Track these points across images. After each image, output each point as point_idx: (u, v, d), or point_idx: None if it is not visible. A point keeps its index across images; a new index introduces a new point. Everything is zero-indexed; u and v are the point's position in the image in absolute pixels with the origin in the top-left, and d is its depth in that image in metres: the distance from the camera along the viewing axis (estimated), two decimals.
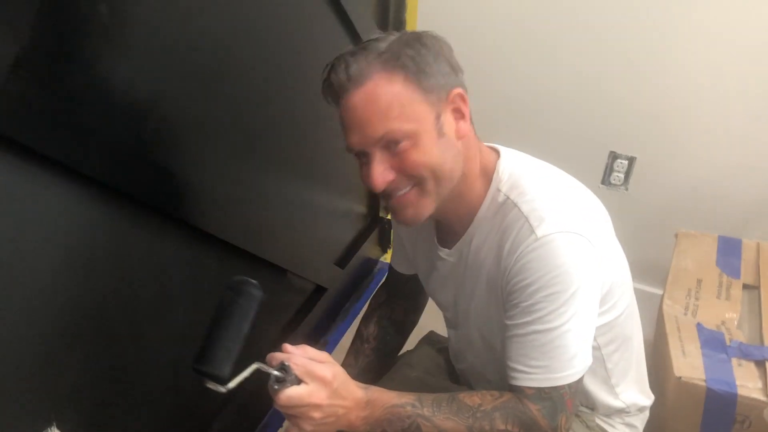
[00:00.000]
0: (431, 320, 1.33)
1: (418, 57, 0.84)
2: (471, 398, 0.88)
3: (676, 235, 1.74)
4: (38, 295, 0.85)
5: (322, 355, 0.88)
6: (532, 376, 0.85)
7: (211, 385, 0.79)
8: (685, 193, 1.93)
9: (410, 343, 1.33)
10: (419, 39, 0.86)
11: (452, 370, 1.25)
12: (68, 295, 0.91)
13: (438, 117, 0.87)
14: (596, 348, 0.96)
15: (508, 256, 0.87)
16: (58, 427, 0.93)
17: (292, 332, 1.66)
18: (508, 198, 0.90)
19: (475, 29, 1.94)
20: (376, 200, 2.22)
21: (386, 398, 0.88)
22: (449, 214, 0.97)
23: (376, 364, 1.23)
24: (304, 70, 1.42)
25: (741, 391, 1.26)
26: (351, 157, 0.92)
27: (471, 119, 0.92)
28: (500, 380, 0.95)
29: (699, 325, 1.42)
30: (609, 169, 1.99)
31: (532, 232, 0.84)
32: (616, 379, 1.03)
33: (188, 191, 1.10)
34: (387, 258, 2.42)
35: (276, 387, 0.82)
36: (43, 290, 0.86)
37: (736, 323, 1.43)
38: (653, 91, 1.84)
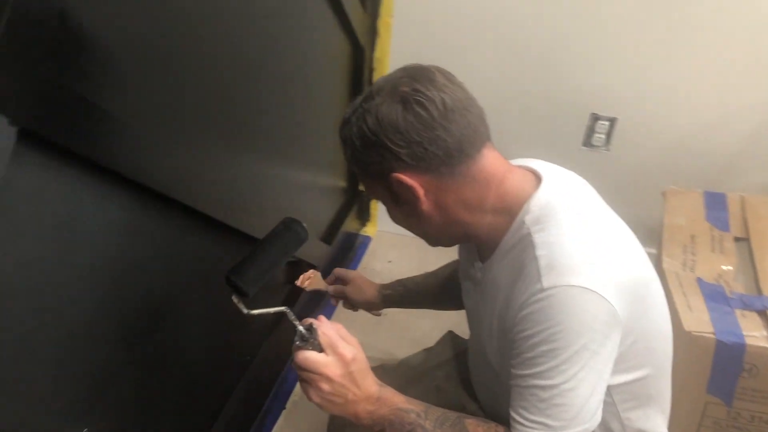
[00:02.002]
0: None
1: (354, 142, 0.87)
2: (476, 428, 0.89)
3: (663, 194, 1.76)
4: (51, 295, 0.78)
5: (353, 339, 0.88)
6: (530, 430, 0.83)
7: (236, 300, 0.84)
8: (665, 151, 1.96)
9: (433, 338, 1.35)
10: (368, 115, 0.85)
11: (467, 376, 1.23)
12: (83, 294, 0.84)
13: (392, 193, 0.89)
14: (611, 404, 0.92)
15: (516, 300, 0.83)
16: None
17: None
18: (529, 232, 0.85)
19: (451, 3, 1.91)
20: (355, 175, 2.17)
21: (396, 400, 0.89)
22: (474, 241, 0.98)
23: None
24: (287, 47, 1.36)
25: (749, 341, 1.29)
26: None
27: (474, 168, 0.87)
28: (495, 400, 0.99)
29: (699, 280, 1.44)
30: (590, 131, 2.00)
31: (539, 280, 0.80)
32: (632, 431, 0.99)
33: (180, 173, 1.01)
34: (366, 231, 2.39)
35: (298, 343, 0.85)
36: (56, 290, 0.79)
37: (733, 276, 1.46)
38: (631, 50, 1.84)
